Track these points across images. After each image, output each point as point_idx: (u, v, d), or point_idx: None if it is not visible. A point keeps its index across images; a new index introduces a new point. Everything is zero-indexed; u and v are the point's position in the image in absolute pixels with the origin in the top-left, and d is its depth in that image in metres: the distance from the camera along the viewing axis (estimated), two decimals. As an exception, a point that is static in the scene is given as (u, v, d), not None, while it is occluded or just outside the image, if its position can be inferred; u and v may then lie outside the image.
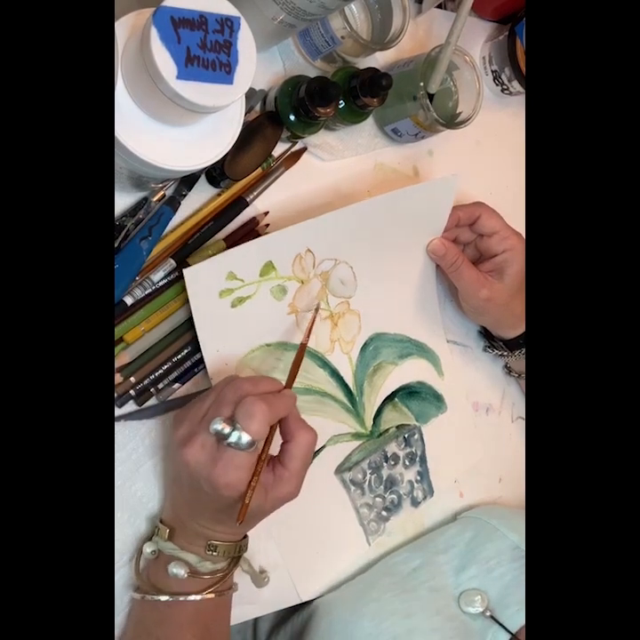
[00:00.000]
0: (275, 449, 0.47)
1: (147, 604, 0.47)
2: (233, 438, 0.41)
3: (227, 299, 0.52)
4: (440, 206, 0.60)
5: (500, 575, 0.56)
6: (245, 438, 0.41)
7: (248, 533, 0.50)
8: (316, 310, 0.55)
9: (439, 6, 0.66)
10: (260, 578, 0.52)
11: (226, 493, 0.43)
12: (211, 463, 0.42)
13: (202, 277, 0.50)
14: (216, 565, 0.47)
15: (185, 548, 0.46)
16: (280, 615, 0.63)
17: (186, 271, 0.49)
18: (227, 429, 0.42)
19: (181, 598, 0.46)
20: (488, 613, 0.53)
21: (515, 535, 0.59)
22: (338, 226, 0.55)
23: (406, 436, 0.63)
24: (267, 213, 0.56)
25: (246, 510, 0.43)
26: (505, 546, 0.58)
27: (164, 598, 0.46)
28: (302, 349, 0.52)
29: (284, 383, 0.48)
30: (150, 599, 0.46)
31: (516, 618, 0.53)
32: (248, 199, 0.55)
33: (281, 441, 0.47)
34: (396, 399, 0.63)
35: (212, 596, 0.47)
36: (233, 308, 0.52)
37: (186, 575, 0.45)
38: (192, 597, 0.46)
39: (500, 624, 0.52)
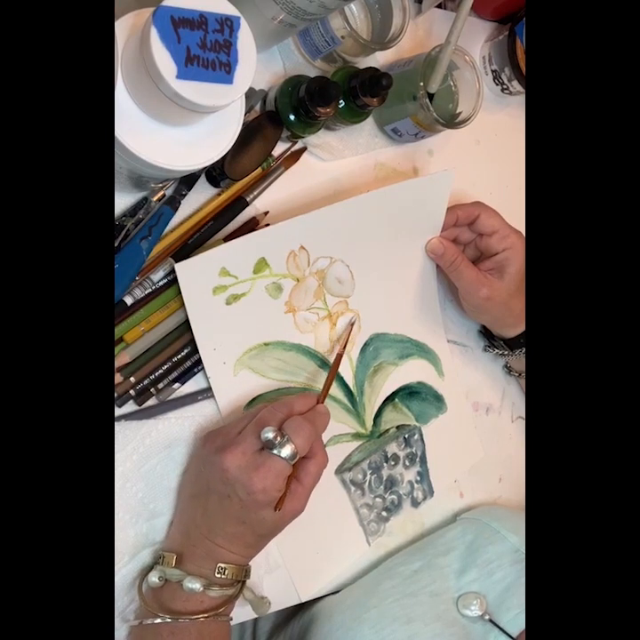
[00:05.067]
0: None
1: (148, 631, 0.47)
2: (279, 447, 0.45)
3: (221, 295, 0.52)
4: (437, 201, 0.59)
5: (500, 578, 0.56)
6: (290, 450, 0.45)
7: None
8: (352, 325, 0.58)
9: (439, 6, 0.66)
10: (261, 603, 0.52)
11: (260, 497, 0.45)
12: (251, 467, 0.45)
13: (194, 273, 0.50)
14: (223, 591, 0.47)
15: (193, 573, 0.47)
16: (280, 618, 0.63)
17: (177, 266, 0.49)
18: (278, 438, 0.45)
19: (181, 619, 0.46)
20: (487, 617, 0.53)
21: (515, 537, 0.59)
22: (330, 222, 0.55)
23: (406, 436, 0.63)
24: (267, 213, 0.56)
25: (285, 498, 0.46)
26: (505, 548, 0.58)
27: (159, 620, 0.46)
28: (337, 361, 0.55)
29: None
30: (150, 623, 0.46)
31: (517, 621, 0.52)
32: (248, 199, 0.55)
33: None
34: (397, 399, 0.63)
35: (224, 618, 0.47)
36: (228, 306, 0.52)
37: (202, 588, 0.46)
38: (195, 617, 0.46)
39: (500, 628, 0.52)
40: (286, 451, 0.45)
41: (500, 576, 0.56)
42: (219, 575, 0.47)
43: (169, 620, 0.46)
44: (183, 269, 0.49)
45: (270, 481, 0.45)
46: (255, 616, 0.56)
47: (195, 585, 0.46)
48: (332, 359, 0.58)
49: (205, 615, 0.46)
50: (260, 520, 0.46)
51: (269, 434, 0.45)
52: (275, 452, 0.45)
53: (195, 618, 0.46)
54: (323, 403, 0.52)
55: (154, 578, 0.47)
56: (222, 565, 0.47)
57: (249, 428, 0.47)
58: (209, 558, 0.47)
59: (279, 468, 0.45)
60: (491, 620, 0.53)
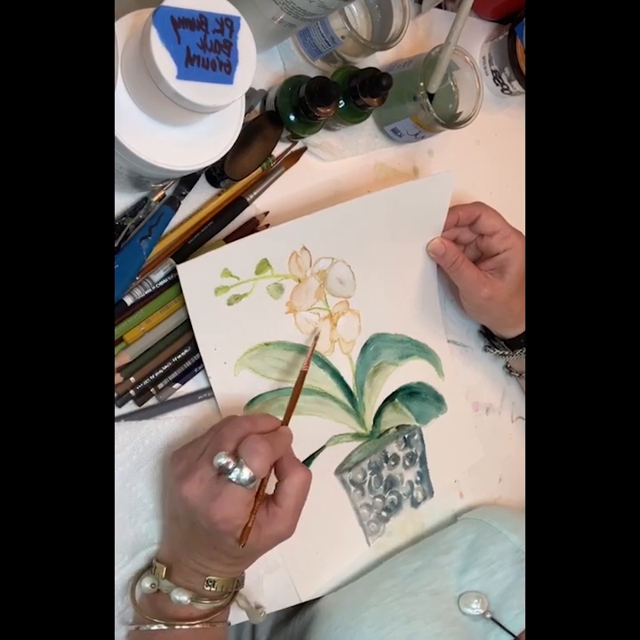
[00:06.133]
0: (270, 488, 0.47)
1: (143, 636, 0.46)
2: (235, 473, 0.42)
3: (222, 296, 0.52)
4: (438, 203, 0.60)
5: (502, 578, 0.56)
6: (247, 474, 0.42)
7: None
8: (316, 338, 0.56)
9: (439, 6, 0.66)
10: (256, 613, 0.52)
11: (222, 527, 0.43)
12: (208, 497, 0.43)
13: (196, 273, 0.50)
14: (213, 603, 0.47)
15: (181, 585, 0.46)
16: (280, 617, 0.63)
17: (179, 267, 0.49)
18: (231, 464, 0.42)
19: (177, 626, 0.45)
20: (488, 615, 0.53)
21: (516, 537, 0.59)
22: (332, 223, 0.55)
23: (406, 436, 0.63)
24: (267, 213, 0.56)
25: (249, 533, 0.43)
26: (507, 548, 0.58)
27: (156, 627, 0.45)
28: (301, 379, 0.52)
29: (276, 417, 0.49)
30: (146, 629, 0.46)
31: (518, 621, 0.52)
32: (248, 199, 0.55)
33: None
34: (397, 400, 0.63)
35: (221, 624, 0.47)
36: (229, 306, 0.52)
37: (189, 601, 0.45)
38: (188, 625, 0.45)
39: (502, 626, 0.52)
40: (243, 475, 0.42)
41: (501, 576, 0.56)
42: (208, 588, 0.46)
43: (165, 628, 0.45)
44: (185, 270, 0.49)
45: (228, 510, 0.42)
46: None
47: (182, 597, 0.45)
48: (333, 359, 0.58)
49: (200, 622, 0.46)
50: (231, 547, 0.44)
51: (222, 459, 0.42)
52: (231, 477, 0.42)
53: (191, 625, 0.45)
54: (287, 425, 0.49)
55: (146, 584, 0.47)
56: (211, 579, 0.46)
57: (207, 451, 0.45)
58: (197, 573, 0.46)
59: (238, 496, 0.43)
60: (492, 618, 0.53)
